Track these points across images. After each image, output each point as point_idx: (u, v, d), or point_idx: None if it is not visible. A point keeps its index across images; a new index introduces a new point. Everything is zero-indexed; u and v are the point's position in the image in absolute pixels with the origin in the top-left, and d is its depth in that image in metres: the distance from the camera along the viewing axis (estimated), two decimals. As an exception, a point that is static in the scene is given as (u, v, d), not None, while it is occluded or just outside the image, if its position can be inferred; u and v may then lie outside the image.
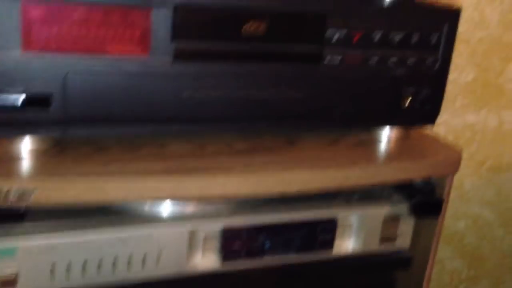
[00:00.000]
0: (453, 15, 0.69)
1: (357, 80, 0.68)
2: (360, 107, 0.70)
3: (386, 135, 0.75)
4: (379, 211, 0.73)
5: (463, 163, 1.32)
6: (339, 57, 0.65)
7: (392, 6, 0.67)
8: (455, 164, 0.74)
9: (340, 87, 0.68)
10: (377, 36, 0.66)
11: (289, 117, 0.67)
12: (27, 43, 0.53)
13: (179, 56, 0.59)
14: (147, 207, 0.63)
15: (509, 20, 1.14)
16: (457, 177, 1.31)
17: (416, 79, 0.70)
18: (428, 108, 0.72)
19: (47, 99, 0.55)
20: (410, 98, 0.71)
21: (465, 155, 1.28)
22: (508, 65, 1.19)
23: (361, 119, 0.71)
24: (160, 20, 0.57)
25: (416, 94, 0.71)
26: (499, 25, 1.14)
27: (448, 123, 1.24)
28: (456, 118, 1.24)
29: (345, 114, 0.70)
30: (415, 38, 0.68)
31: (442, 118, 1.28)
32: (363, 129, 0.75)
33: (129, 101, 0.59)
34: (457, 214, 1.30)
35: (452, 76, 1.20)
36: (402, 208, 0.74)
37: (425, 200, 0.73)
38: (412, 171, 0.70)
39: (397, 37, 0.67)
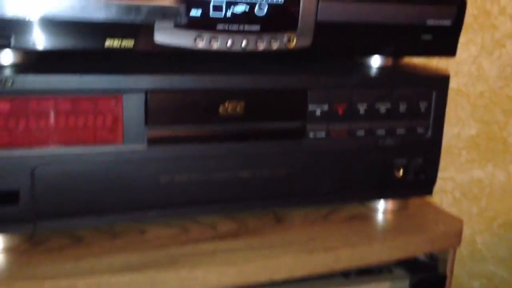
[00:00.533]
0: (442, 81, 0.67)
1: (344, 153, 0.65)
2: (349, 180, 0.66)
3: (381, 207, 0.71)
4: (378, 289, 0.68)
5: (473, 220, 1.27)
6: (324, 131, 0.63)
7: (375, 76, 0.65)
8: (456, 236, 0.69)
9: (327, 161, 0.65)
10: (363, 107, 0.64)
11: (274, 195, 0.64)
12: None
13: (154, 142, 0.56)
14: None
15: (508, 73, 1.11)
16: (468, 234, 1.25)
17: (407, 149, 0.67)
18: (423, 178, 0.69)
19: (14, 196, 0.53)
20: (402, 169, 0.68)
21: (475, 211, 1.23)
22: (512, 118, 1.15)
23: (351, 193, 0.68)
24: (132, 106, 0.55)
25: (409, 164, 0.68)
26: (499, 78, 1.11)
27: (454, 179, 1.19)
28: (462, 174, 1.20)
29: (334, 188, 0.66)
30: (402, 107, 0.66)
31: (448, 173, 1.24)
32: (355, 202, 0.71)
33: (103, 190, 0.56)
34: (471, 273, 1.23)
35: (456, 130, 1.17)
36: (404, 284, 0.69)
37: (427, 277, 0.68)
38: (409, 248, 0.66)
39: (384, 107, 0.65)
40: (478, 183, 1.18)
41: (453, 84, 1.05)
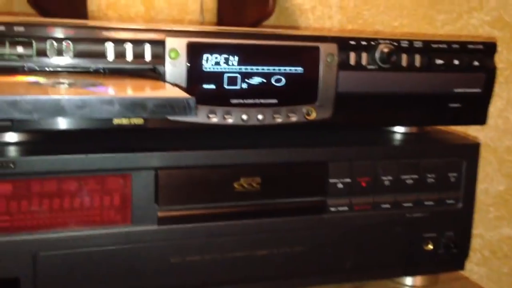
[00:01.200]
0: (472, 150, 0.62)
1: (368, 226, 0.60)
2: (374, 255, 0.62)
3: (409, 282, 0.66)
4: None
5: (503, 280, 1.20)
6: (346, 206, 0.59)
7: (401, 146, 0.61)
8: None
9: (350, 235, 0.60)
10: (388, 179, 0.60)
11: (293, 274, 0.60)
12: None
13: (165, 221, 0.53)
14: None
15: (537, 126, 1.06)
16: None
17: (436, 221, 0.62)
18: (455, 252, 0.64)
19: (14, 284, 0.49)
20: (431, 243, 0.63)
21: (505, 270, 1.16)
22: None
23: (376, 269, 0.63)
24: (141, 185, 0.52)
25: (439, 237, 0.63)
26: (527, 131, 1.06)
27: (483, 237, 1.13)
28: (491, 231, 1.14)
29: (358, 264, 0.61)
30: (431, 178, 0.61)
31: (476, 231, 1.18)
32: (380, 279, 0.66)
33: (110, 274, 0.52)
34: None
35: (483, 185, 1.11)
36: None
37: None
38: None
39: (411, 179, 0.61)
40: (508, 241, 1.12)
41: (479, 138, 1.01)
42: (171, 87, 0.39)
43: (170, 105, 0.34)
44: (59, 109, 0.32)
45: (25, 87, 0.37)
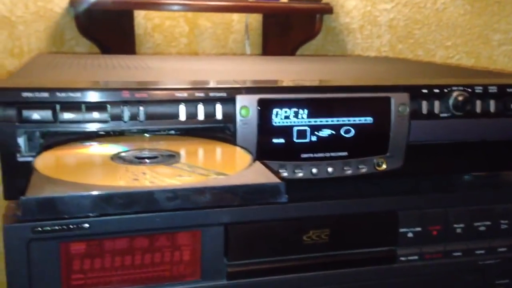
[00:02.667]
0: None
1: (439, 275, 0.59)
2: (444, 304, 0.60)
3: (478, 329, 0.64)
4: None
5: None
6: (416, 255, 0.57)
7: (472, 193, 0.58)
8: None
9: (421, 285, 0.58)
10: (460, 227, 0.58)
11: (362, 323, 0.59)
12: (67, 282, 0.48)
13: (234, 276, 0.52)
14: None
15: None
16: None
17: (509, 267, 0.60)
18: (529, 299, 0.61)
19: None
20: (504, 290, 0.61)
21: None
22: None
23: (447, 317, 0.61)
24: (210, 241, 0.51)
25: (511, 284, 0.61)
26: None
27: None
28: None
29: (427, 313, 0.60)
30: (504, 224, 0.59)
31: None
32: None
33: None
34: None
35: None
36: None
37: None
38: None
39: (483, 225, 0.58)
40: None
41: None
42: (259, 166, 0.38)
43: (261, 191, 0.34)
44: (152, 202, 0.31)
45: (112, 172, 0.37)
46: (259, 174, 0.36)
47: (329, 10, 1.07)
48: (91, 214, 0.31)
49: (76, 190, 0.31)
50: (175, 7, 1.02)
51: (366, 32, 1.10)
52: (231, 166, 0.40)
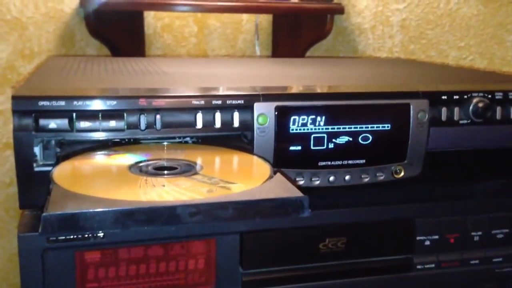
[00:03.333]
0: None
1: (456, 283, 0.58)
2: (461, 312, 0.59)
3: (494, 336, 0.63)
4: None
5: None
6: (433, 263, 0.56)
7: (490, 200, 0.58)
8: None
9: (436, 292, 0.58)
10: (477, 235, 0.57)
11: (378, 331, 0.58)
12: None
13: (249, 285, 0.52)
14: None
15: None
16: None
17: (527, 275, 0.59)
18: (546, 307, 0.61)
19: None
20: (522, 298, 0.60)
21: None
22: None
23: (464, 326, 0.60)
24: (226, 249, 0.51)
25: (529, 292, 0.60)
26: None
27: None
28: None
29: (444, 321, 0.59)
30: (522, 232, 0.58)
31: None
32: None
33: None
34: None
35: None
36: None
37: None
38: None
39: (501, 233, 0.58)
40: None
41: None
42: (281, 178, 0.37)
43: (285, 206, 0.33)
44: (174, 217, 0.31)
45: (132, 185, 0.36)
46: (281, 188, 0.35)
47: (340, 10, 1.06)
48: (112, 230, 0.31)
49: (97, 206, 0.30)
50: (185, 8, 1.01)
51: (378, 32, 1.09)
52: (251, 177, 0.39)
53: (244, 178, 0.39)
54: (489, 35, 1.06)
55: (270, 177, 0.38)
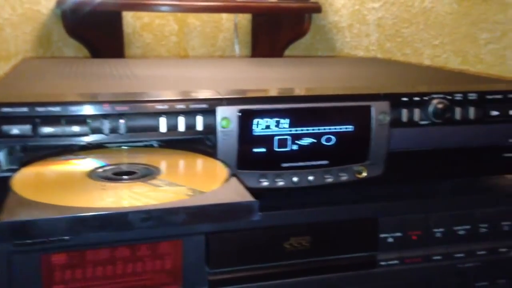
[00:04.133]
0: (527, 198, 0.61)
1: (419, 279, 0.60)
2: (425, 307, 0.61)
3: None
4: None
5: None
6: (396, 260, 0.58)
7: (452, 198, 0.59)
8: None
9: (400, 288, 0.60)
10: (439, 231, 0.59)
11: (344, 327, 0.59)
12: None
13: (216, 284, 0.53)
14: None
15: None
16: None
17: (489, 270, 0.61)
18: (508, 301, 0.63)
19: None
20: (484, 293, 0.62)
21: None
22: None
23: (428, 320, 0.62)
24: (191, 250, 0.52)
25: (491, 286, 0.62)
26: None
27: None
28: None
29: (408, 316, 0.61)
30: (483, 228, 0.60)
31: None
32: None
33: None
34: None
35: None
36: None
37: None
38: None
39: (463, 230, 0.59)
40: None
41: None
42: (234, 182, 0.39)
43: (234, 210, 0.34)
44: (126, 224, 0.32)
45: (88, 191, 0.37)
46: (233, 192, 0.36)
47: (317, 9, 1.07)
48: (65, 237, 0.32)
49: (50, 213, 0.31)
50: (164, 8, 1.02)
51: (355, 30, 1.10)
52: (208, 181, 0.40)
53: (200, 182, 0.40)
54: (462, 33, 1.08)
55: (227, 180, 0.39)
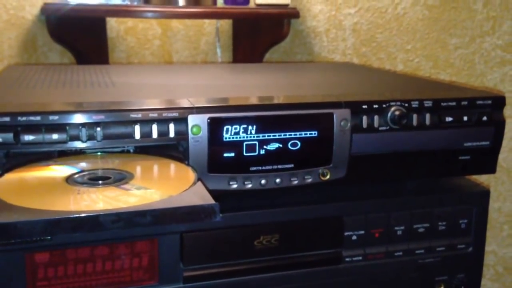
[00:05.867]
0: (482, 197, 0.65)
1: (382, 274, 0.64)
2: (389, 300, 0.65)
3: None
4: None
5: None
6: (360, 256, 0.62)
7: (412, 198, 0.63)
8: None
9: (365, 283, 0.63)
10: (400, 229, 0.63)
11: (312, 320, 0.63)
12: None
13: (190, 280, 0.57)
14: None
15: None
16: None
17: (448, 265, 0.65)
18: (466, 294, 0.67)
19: None
20: (443, 285, 0.66)
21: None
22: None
23: (391, 312, 0.66)
24: (167, 248, 0.55)
25: (450, 280, 0.66)
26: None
27: (496, 253, 1.15)
28: (504, 248, 1.16)
29: (373, 309, 0.65)
30: (442, 226, 0.64)
31: (490, 247, 1.20)
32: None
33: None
34: None
35: (496, 204, 1.13)
36: None
37: None
38: None
39: (423, 227, 0.63)
40: (521, 257, 1.14)
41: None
42: (199, 187, 0.42)
43: (197, 212, 0.38)
44: (97, 225, 0.35)
45: (64, 196, 0.41)
46: (197, 196, 0.40)
47: (296, 14, 1.10)
48: (41, 238, 0.35)
49: (28, 216, 0.35)
50: (148, 14, 1.05)
51: (332, 35, 1.14)
52: (176, 186, 0.44)
53: (169, 186, 0.44)
54: (433, 38, 1.12)
55: (193, 184, 0.43)
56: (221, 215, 0.39)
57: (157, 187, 0.43)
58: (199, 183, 0.43)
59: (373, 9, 1.13)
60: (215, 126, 0.53)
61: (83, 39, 1.07)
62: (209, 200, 0.39)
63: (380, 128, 0.58)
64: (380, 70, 1.06)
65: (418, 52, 1.12)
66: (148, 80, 0.75)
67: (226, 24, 1.20)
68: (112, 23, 1.11)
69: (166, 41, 1.19)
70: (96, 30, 1.09)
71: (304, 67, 1.01)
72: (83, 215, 0.35)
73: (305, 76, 0.86)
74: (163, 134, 0.52)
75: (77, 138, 0.49)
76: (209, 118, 0.53)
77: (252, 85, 0.74)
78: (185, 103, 0.54)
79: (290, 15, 1.11)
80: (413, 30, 1.12)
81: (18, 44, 1.02)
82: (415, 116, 0.59)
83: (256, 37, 1.19)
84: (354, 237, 0.61)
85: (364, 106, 0.58)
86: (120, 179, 0.45)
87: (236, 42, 1.23)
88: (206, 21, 1.22)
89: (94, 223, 0.36)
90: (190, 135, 0.52)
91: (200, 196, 0.39)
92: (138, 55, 1.15)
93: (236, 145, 0.54)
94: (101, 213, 0.36)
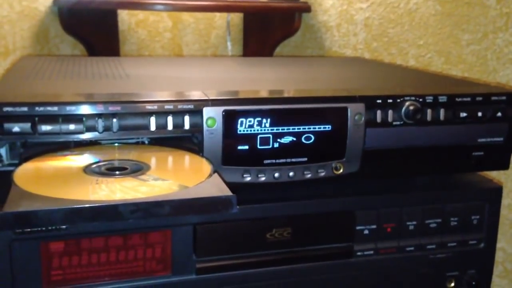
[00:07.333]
0: (494, 194, 0.65)
1: (393, 268, 0.64)
2: (399, 294, 0.65)
3: (432, 317, 0.69)
4: None
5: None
6: (372, 250, 0.62)
7: (425, 193, 0.63)
8: None
9: (376, 277, 0.63)
10: (412, 224, 0.63)
11: (323, 313, 0.64)
12: (47, 278, 0.53)
13: (203, 272, 0.57)
14: None
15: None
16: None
17: (459, 261, 0.65)
18: (476, 289, 0.67)
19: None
20: (454, 282, 0.66)
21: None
22: None
23: (401, 307, 0.66)
24: (180, 239, 0.56)
25: (461, 276, 0.66)
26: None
27: (505, 250, 1.15)
28: (513, 245, 1.16)
29: (384, 303, 0.65)
30: (454, 222, 0.64)
31: (499, 244, 1.19)
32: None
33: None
34: None
35: (506, 201, 1.13)
36: None
37: None
38: None
39: (435, 223, 0.63)
40: (531, 255, 1.14)
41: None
42: (216, 178, 0.42)
43: (214, 204, 0.38)
44: (116, 215, 0.36)
45: (83, 185, 0.41)
46: (214, 187, 0.40)
47: (307, 8, 1.10)
48: (62, 226, 0.35)
49: (48, 205, 0.35)
50: (158, 7, 1.05)
51: (343, 30, 1.14)
52: (192, 177, 0.44)
53: (185, 177, 0.44)
54: (445, 34, 1.12)
55: (209, 176, 0.43)
56: (238, 207, 0.39)
57: (174, 178, 0.43)
58: (216, 174, 0.43)
59: (385, 3, 1.12)
60: (230, 119, 0.53)
61: (95, 31, 1.07)
62: (226, 192, 0.39)
63: (394, 123, 0.58)
64: (392, 65, 1.05)
65: (430, 48, 1.11)
66: (161, 73, 0.75)
67: (236, 18, 1.20)
68: (123, 15, 1.11)
69: (176, 34, 1.19)
70: (108, 22, 1.10)
71: (316, 61, 1.01)
72: (103, 204, 0.36)
73: (317, 70, 0.85)
74: (178, 126, 0.52)
75: (93, 129, 0.49)
76: (224, 111, 0.53)
77: (265, 78, 0.74)
78: (200, 96, 0.54)
79: (301, 9, 1.11)
80: (425, 25, 1.11)
81: (30, 35, 1.03)
82: (429, 111, 0.59)
83: (266, 31, 1.19)
84: (366, 232, 0.61)
85: (378, 101, 0.57)
86: (137, 170, 0.46)
87: (246, 36, 1.23)
88: (217, 14, 1.22)
89: (114, 213, 0.36)
90: (205, 127, 0.53)
91: (217, 188, 0.40)
92: (149, 48, 1.15)
93: (250, 138, 0.55)
94: (120, 202, 0.36)
